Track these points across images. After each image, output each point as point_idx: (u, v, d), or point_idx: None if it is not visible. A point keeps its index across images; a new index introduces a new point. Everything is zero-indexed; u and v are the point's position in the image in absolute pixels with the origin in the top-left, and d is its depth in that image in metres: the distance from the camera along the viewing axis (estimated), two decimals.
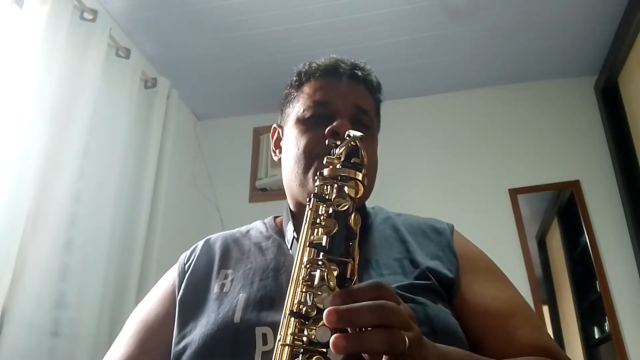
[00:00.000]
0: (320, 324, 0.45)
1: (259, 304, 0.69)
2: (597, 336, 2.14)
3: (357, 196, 0.55)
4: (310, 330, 0.46)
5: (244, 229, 0.89)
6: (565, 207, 2.35)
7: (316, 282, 0.48)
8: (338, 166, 0.57)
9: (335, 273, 0.48)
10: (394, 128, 2.53)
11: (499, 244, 2.22)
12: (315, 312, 0.47)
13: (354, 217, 0.53)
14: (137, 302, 0.85)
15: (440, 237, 0.80)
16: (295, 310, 0.48)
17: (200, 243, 0.86)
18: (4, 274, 1.32)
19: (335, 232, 0.51)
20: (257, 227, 0.88)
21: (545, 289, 2.26)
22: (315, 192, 0.56)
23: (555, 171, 2.33)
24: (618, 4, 2.02)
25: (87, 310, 1.60)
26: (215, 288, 0.75)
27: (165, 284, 0.82)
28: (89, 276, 1.63)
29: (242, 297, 0.70)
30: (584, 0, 2.02)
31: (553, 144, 2.39)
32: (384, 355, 0.44)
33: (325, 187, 0.57)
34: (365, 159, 0.58)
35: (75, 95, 1.68)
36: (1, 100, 1.46)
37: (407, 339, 0.44)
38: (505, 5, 2.04)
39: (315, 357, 0.45)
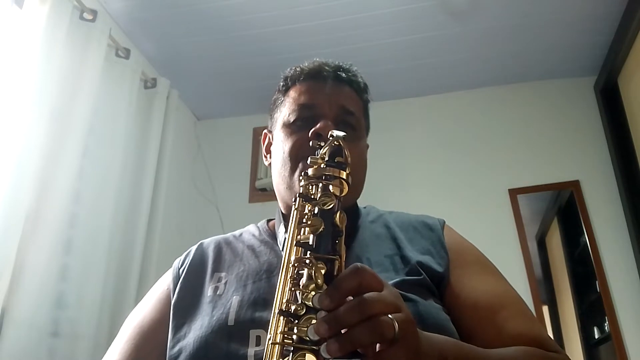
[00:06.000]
0: (311, 321, 0.46)
1: (252, 306, 0.69)
2: (597, 336, 2.14)
3: (342, 194, 0.56)
4: (300, 329, 0.46)
5: (237, 232, 0.89)
6: (565, 207, 2.35)
7: (304, 280, 0.49)
8: (322, 166, 0.58)
9: (322, 271, 0.49)
10: (394, 128, 2.56)
11: (498, 244, 2.22)
12: (304, 311, 0.47)
13: (340, 215, 0.53)
14: (136, 302, 0.85)
15: (431, 232, 0.80)
16: (284, 309, 0.49)
17: (194, 247, 0.86)
18: (4, 274, 1.32)
19: (321, 231, 0.52)
20: (250, 231, 0.88)
21: (545, 289, 2.26)
22: (301, 192, 0.57)
23: (555, 171, 2.33)
24: (618, 4, 2.02)
25: (87, 311, 1.60)
26: (209, 291, 0.75)
27: (160, 288, 0.82)
28: (89, 276, 1.63)
29: (235, 299, 0.71)
30: (584, 0, 2.02)
31: (553, 144, 2.39)
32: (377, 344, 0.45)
33: (310, 186, 0.57)
34: (349, 158, 0.59)
35: (75, 95, 1.68)
36: (1, 100, 1.46)
37: (395, 323, 0.45)
38: (505, 5, 2.04)
39: (306, 355, 0.45)
